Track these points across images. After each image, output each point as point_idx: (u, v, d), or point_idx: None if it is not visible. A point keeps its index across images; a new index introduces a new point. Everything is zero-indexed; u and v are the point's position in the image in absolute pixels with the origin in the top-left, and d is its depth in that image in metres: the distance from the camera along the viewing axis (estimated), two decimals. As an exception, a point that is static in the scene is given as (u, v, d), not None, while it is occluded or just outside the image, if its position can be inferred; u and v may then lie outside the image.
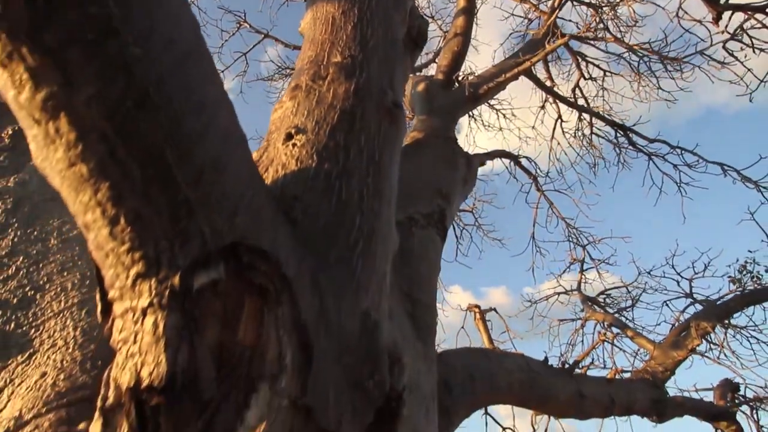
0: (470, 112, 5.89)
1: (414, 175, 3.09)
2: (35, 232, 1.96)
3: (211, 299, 0.70)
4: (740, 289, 4.27)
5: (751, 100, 3.85)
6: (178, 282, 0.63)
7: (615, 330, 5.05)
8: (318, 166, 1.00)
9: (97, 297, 0.73)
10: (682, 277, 5.32)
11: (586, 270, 6.14)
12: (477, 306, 3.99)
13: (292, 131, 1.07)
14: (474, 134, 7.72)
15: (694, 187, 4.75)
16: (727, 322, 5.01)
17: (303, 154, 1.03)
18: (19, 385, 1.27)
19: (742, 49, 3.74)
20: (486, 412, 5.60)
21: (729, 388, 5.40)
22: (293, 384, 0.70)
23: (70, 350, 1.47)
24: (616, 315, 5.48)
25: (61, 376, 1.35)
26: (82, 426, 1.16)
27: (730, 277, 4.40)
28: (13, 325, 1.58)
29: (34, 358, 1.48)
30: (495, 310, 4.12)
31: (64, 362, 1.44)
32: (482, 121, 5.69)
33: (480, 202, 6.46)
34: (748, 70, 3.71)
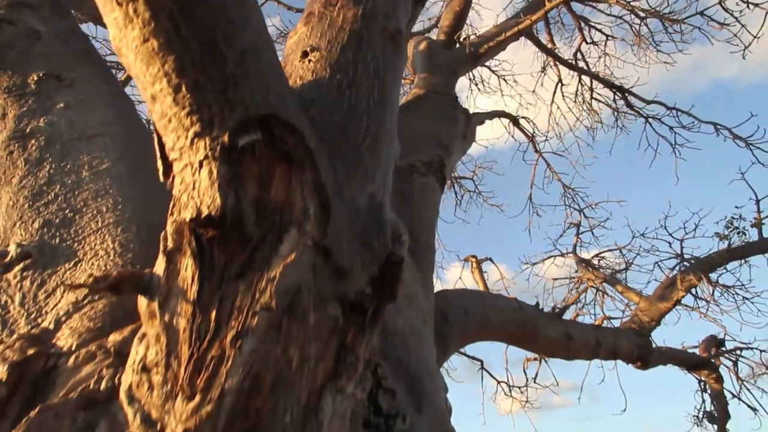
0: (471, 77, 5.96)
1: (415, 126, 3.25)
2: (68, 166, 2.14)
3: (250, 161, 0.88)
4: (727, 245, 4.46)
5: (744, 57, 3.94)
6: (227, 139, 0.81)
7: (607, 287, 5.29)
8: (331, 77, 1.16)
9: (158, 163, 0.91)
10: (673, 238, 5.51)
11: (582, 233, 6.34)
12: (474, 256, 4.20)
13: (308, 49, 1.23)
14: (474, 97, 7.77)
15: (688, 149, 4.89)
16: (715, 281, 5.24)
17: (317, 68, 1.19)
18: (76, 270, 1.48)
19: (737, 3, 3.80)
20: (482, 367, 5.93)
21: (714, 343, 5.68)
22: (316, 229, 0.89)
23: (111, 258, 1.68)
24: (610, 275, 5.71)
25: (111, 262, 1.57)
26: (111, 343, 1.36)
27: (717, 233, 4.58)
28: (58, 240, 1.78)
29: (79, 265, 1.68)
30: (491, 259, 4.34)
31: (107, 266, 1.65)
32: (483, 85, 5.76)
33: (480, 168, 6.62)
34: (743, 26, 3.78)
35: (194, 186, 0.83)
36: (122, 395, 1.02)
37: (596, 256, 6.42)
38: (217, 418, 0.75)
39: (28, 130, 2.12)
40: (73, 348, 1.20)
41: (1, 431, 1.02)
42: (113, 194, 1.98)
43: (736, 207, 4.34)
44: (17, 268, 1.69)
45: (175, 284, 0.87)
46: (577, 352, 3.62)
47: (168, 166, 0.89)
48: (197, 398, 0.76)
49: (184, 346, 0.82)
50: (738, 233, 4.27)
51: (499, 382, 6.09)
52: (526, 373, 4.60)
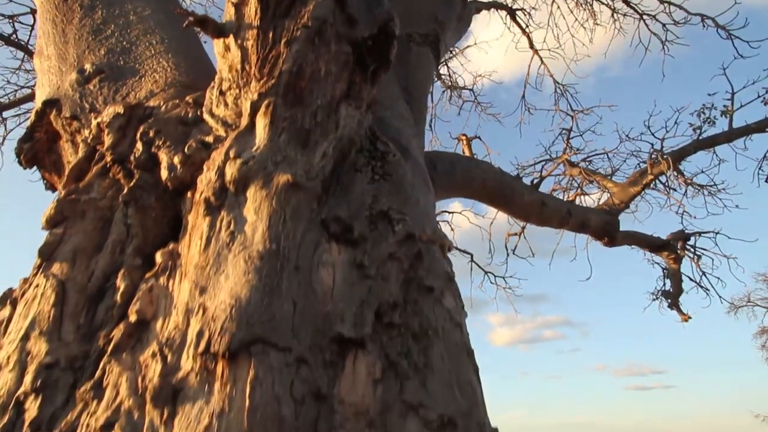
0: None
1: (414, 3, 3.52)
2: (116, 11, 2.53)
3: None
4: (698, 135, 4.88)
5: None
6: None
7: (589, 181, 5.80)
8: None
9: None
10: (655, 137, 5.91)
11: (573, 138, 6.72)
12: (464, 135, 4.64)
13: None
14: None
15: (678, 45, 5.12)
16: (690, 179, 5.73)
17: None
18: (141, 84, 1.94)
19: None
20: (472, 260, 6.64)
21: (681, 236, 6.30)
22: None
23: (167, 73, 2.13)
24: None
25: (168, 79, 2.03)
26: (189, 98, 1.84)
27: (691, 124, 4.98)
28: (122, 62, 2.22)
29: (143, 78, 2.14)
30: (479, 138, 4.80)
31: (165, 80, 2.10)
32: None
33: (480, 77, 6.84)
34: None
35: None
36: (206, 116, 1.52)
37: (584, 160, 6.86)
38: (278, 87, 1.24)
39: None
40: (161, 104, 1.69)
41: (123, 147, 1.53)
42: (158, 32, 2.39)
43: (709, 94, 4.69)
44: (95, 80, 2.15)
45: (243, 21, 1.32)
46: (549, 219, 4.19)
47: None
48: (264, 77, 1.25)
49: (253, 55, 1.29)
50: (708, 122, 4.66)
51: (486, 273, 6.86)
52: (507, 247, 5.25)
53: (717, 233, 5.46)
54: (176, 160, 1.34)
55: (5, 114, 5.86)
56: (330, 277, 1.21)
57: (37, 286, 1.18)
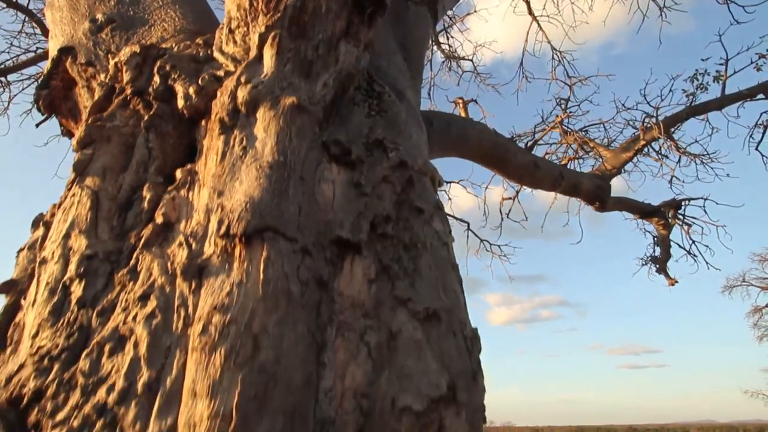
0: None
1: (412, -37, 3.57)
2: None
3: None
4: (690, 102, 4.97)
5: None
6: None
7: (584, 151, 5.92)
8: None
9: None
10: (650, 106, 5.99)
11: (570, 107, 6.80)
12: (461, 98, 4.74)
13: None
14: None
15: (675, 11, 5.17)
16: (684, 150, 5.85)
17: None
18: (151, 32, 2.06)
19: None
20: (468, 228, 6.82)
21: (672, 205, 6.46)
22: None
23: (175, 23, 2.24)
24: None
25: (177, 27, 2.14)
26: (199, 40, 1.96)
27: (684, 90, 5.06)
28: (132, 12, 2.33)
29: (152, 28, 2.25)
30: (475, 101, 4.90)
31: (174, 29, 2.21)
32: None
33: (480, 47, 6.86)
34: None
35: None
36: (216, 54, 1.65)
37: (582, 130, 6.96)
38: (283, 20, 1.37)
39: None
40: (173, 45, 1.82)
41: (141, 82, 1.67)
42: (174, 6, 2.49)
43: (702, 60, 4.77)
44: (107, 29, 2.27)
45: (251, -40, 1.44)
46: (541, 181, 4.34)
47: None
48: (271, 11, 1.38)
49: (260, -8, 1.41)
50: (701, 88, 4.75)
51: (481, 241, 7.06)
52: (501, 211, 5.42)
53: (706, 199, 5.62)
54: (191, 90, 1.48)
55: (9, 78, 5.93)
56: (330, 191, 1.37)
57: (74, 195, 1.34)
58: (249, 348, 0.97)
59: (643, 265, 6.26)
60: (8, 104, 6.22)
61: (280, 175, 1.23)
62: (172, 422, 0.92)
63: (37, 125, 5.11)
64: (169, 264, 1.14)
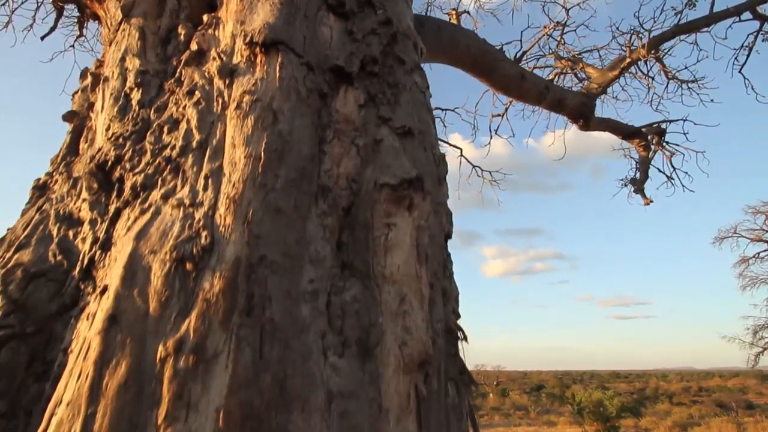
0: None
1: None
2: None
3: None
4: (679, 20, 5.12)
5: None
6: None
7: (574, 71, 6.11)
8: None
9: None
10: (643, 29, 6.10)
11: (566, 33, 6.87)
12: (454, 9, 4.90)
13: None
14: None
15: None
16: (672, 73, 6.04)
17: None
18: None
19: None
20: (462, 155, 7.13)
21: (656, 131, 6.75)
22: None
23: None
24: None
25: None
26: None
27: (673, 8, 5.19)
28: None
29: None
30: (468, 12, 5.05)
31: None
32: None
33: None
34: None
35: None
36: None
37: (576, 55, 7.07)
38: None
39: None
40: None
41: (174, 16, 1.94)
42: None
43: (690, -25, 4.86)
44: None
45: None
46: (527, 93, 4.62)
47: None
48: None
49: None
50: (689, 5, 4.89)
51: (474, 167, 7.41)
52: (490, 129, 5.74)
53: (684, 120, 5.90)
54: (211, -51, 1.77)
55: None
56: (328, 34, 1.71)
57: (123, 29, 1.68)
58: (270, 118, 1.36)
59: (623, 186, 6.68)
60: (9, 19, 6.28)
61: (289, 11, 1.57)
62: (219, 164, 1.33)
63: (42, 38, 5.29)
64: (206, 72, 1.50)
